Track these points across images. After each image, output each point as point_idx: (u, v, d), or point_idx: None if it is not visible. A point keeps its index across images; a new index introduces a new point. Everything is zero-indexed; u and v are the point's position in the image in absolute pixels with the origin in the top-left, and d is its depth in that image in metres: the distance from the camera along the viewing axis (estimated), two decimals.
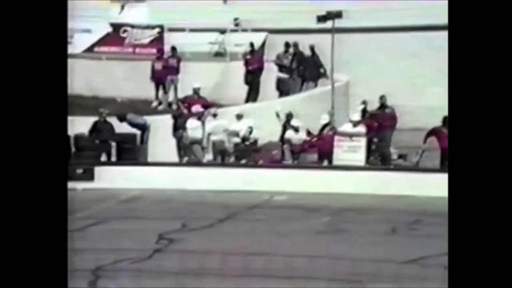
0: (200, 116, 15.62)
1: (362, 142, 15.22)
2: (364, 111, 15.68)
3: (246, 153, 15.59)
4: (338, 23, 16.48)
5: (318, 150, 15.21)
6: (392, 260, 9.68)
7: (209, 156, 15.63)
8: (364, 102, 15.98)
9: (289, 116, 15.58)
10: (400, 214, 12.57)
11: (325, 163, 15.08)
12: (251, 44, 18.22)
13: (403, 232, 11.54)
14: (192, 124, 15.48)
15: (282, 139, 15.59)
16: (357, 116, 15.60)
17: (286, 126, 15.60)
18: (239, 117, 15.68)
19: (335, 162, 15.13)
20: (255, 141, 15.69)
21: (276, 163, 15.47)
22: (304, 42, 17.82)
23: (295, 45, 17.90)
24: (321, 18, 16.31)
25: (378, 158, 15.45)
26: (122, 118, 15.50)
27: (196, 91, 16.35)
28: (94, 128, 15.47)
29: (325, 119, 15.50)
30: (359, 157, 15.10)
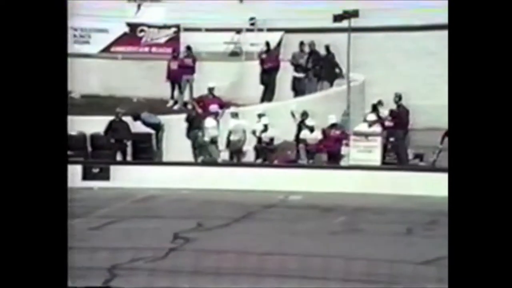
0: (216, 116, 15.62)
1: (378, 142, 15.17)
2: (375, 109, 15.64)
3: (262, 152, 15.58)
4: (355, 22, 16.42)
5: (326, 151, 15.18)
6: (407, 261, 9.63)
7: (225, 156, 15.64)
8: (379, 102, 15.94)
9: (304, 116, 15.56)
10: (416, 214, 12.51)
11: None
12: (267, 43, 18.20)
13: (419, 232, 11.47)
14: (209, 124, 15.49)
15: (297, 138, 15.57)
16: (372, 116, 15.55)
17: (301, 125, 15.57)
18: (260, 116, 15.67)
19: (351, 162, 15.09)
20: (271, 140, 15.67)
21: (291, 163, 15.45)
22: (321, 41, 17.78)
23: (312, 44, 17.86)
24: (338, 17, 16.25)
25: (394, 158, 15.39)
26: (136, 117, 15.55)
27: (210, 90, 16.36)
28: (110, 127, 15.53)
29: (332, 119, 15.47)
30: (375, 157, 15.05)
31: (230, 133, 15.50)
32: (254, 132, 15.59)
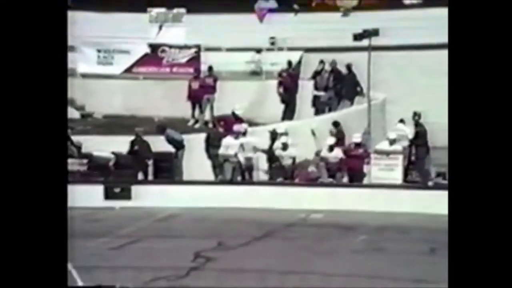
0: (237, 135, 15.59)
1: (399, 160, 15.10)
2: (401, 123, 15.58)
3: (282, 170, 15.54)
4: (375, 41, 16.42)
5: (348, 170, 15.10)
6: (431, 281, 9.53)
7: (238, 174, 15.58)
8: (401, 121, 15.89)
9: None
10: (439, 234, 12.38)
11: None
12: (289, 62, 18.24)
13: (442, 252, 11.35)
14: (226, 142, 15.48)
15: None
16: (393, 134, 15.49)
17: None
18: (280, 135, 15.61)
19: (372, 180, 15.01)
20: (292, 159, 15.61)
21: (312, 181, 15.40)
22: (341, 60, 17.79)
23: (332, 63, 17.89)
24: (358, 36, 16.27)
25: (416, 176, 15.29)
26: (162, 129, 15.62)
27: (235, 115, 16.25)
28: (132, 147, 15.62)
29: (357, 138, 15.40)
30: (396, 175, 14.97)
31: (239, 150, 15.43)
32: (267, 151, 15.46)
